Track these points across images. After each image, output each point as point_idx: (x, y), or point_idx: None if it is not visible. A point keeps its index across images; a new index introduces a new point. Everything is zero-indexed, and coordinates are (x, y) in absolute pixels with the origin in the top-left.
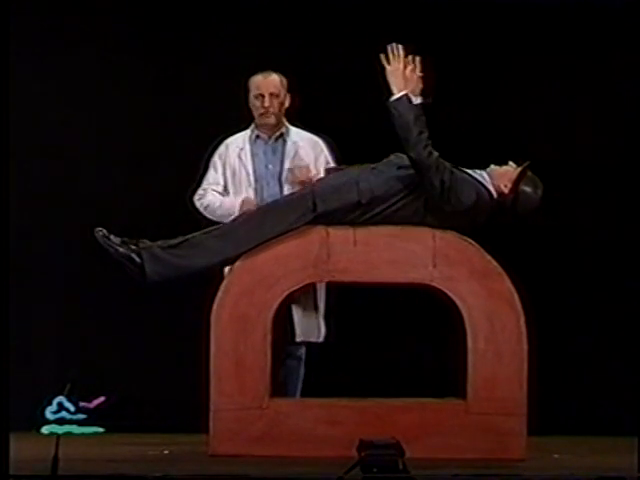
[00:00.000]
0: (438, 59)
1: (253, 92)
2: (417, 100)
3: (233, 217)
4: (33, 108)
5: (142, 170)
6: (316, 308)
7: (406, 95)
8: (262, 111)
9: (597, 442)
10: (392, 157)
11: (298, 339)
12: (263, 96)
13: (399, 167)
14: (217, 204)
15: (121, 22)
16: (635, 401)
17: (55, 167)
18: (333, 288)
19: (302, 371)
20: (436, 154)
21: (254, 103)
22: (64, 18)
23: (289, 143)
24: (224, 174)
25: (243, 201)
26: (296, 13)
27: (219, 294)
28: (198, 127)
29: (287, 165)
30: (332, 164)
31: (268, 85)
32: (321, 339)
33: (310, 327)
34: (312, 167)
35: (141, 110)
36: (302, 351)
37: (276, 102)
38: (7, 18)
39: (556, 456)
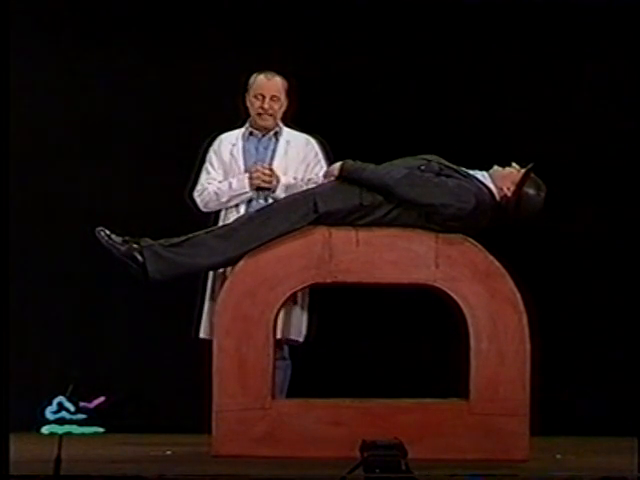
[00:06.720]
0: (440, 59)
1: (254, 91)
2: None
3: (245, 195)
4: (34, 108)
5: (143, 169)
6: (295, 305)
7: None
8: (260, 112)
9: (599, 443)
10: (399, 161)
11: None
12: (264, 97)
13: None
14: (224, 188)
15: (121, 22)
16: (636, 402)
17: (56, 166)
18: (336, 288)
19: (289, 371)
20: (405, 172)
21: (253, 102)
22: (64, 19)
23: (281, 141)
24: (220, 168)
25: (251, 172)
26: (296, 14)
27: (222, 294)
28: (199, 126)
29: (276, 162)
30: (323, 163)
31: (270, 87)
32: (301, 339)
33: (292, 325)
34: (301, 165)
35: (142, 109)
36: (286, 351)
37: (276, 105)
38: (7, 18)
39: (559, 456)
